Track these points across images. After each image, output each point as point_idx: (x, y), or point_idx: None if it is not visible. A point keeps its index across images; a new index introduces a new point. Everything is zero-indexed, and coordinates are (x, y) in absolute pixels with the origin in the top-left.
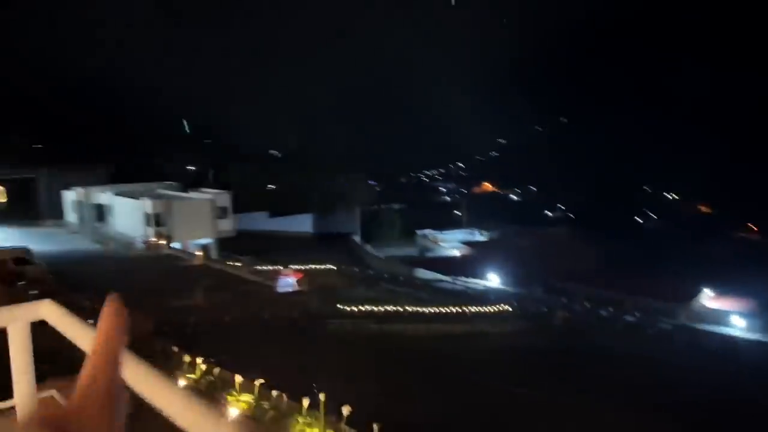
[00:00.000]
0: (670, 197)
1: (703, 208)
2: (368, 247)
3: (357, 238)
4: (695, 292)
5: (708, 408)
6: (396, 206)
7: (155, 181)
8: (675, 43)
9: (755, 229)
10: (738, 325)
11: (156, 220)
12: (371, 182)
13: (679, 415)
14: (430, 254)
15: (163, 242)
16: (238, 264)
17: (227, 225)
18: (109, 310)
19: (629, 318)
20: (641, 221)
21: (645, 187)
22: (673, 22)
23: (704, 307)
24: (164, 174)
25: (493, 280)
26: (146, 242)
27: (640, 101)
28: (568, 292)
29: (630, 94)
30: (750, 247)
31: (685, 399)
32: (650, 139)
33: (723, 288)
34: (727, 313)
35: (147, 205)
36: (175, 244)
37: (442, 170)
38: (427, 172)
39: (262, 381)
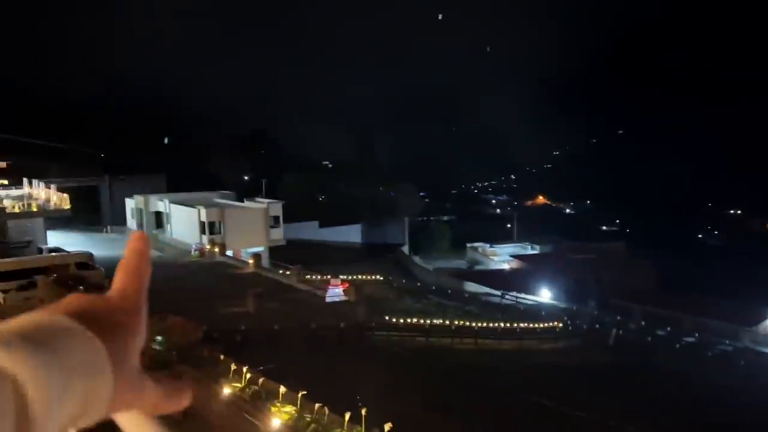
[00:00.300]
0: (735, 214)
1: None
2: (416, 259)
3: (405, 250)
4: (763, 314)
5: None
6: (445, 218)
7: (212, 190)
8: (738, 55)
9: None
10: None
11: (210, 228)
12: (421, 193)
13: None
14: (479, 267)
15: (217, 250)
16: (288, 273)
17: (279, 234)
18: (135, 236)
19: (688, 339)
20: (703, 237)
21: (710, 203)
22: (731, 33)
23: None
24: (221, 183)
25: (544, 295)
26: (200, 249)
27: (703, 113)
28: (624, 310)
29: (691, 106)
30: None
31: (741, 422)
32: (714, 153)
33: None
34: None
35: (202, 213)
36: (228, 252)
37: (494, 182)
38: (479, 184)
39: (304, 392)
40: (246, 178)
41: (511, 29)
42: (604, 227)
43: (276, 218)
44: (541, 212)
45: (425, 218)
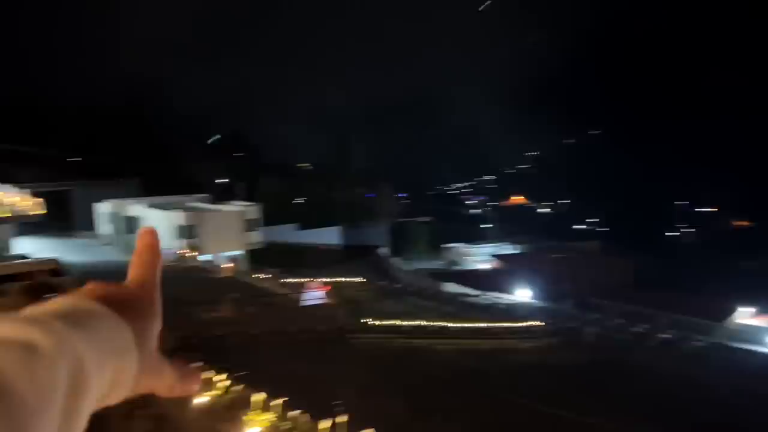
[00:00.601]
0: (707, 211)
1: (742, 223)
2: (396, 260)
3: (385, 251)
4: (731, 309)
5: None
6: (424, 219)
7: (187, 194)
8: (710, 50)
9: None
10: None
11: (187, 232)
12: (400, 195)
13: None
14: (458, 268)
15: (194, 254)
16: (267, 276)
17: (257, 237)
18: (145, 231)
19: (663, 335)
20: (676, 235)
21: (681, 201)
22: (707, 30)
23: (741, 324)
24: (196, 186)
25: (522, 294)
26: (177, 254)
27: (675, 112)
28: (600, 308)
29: (664, 105)
30: None
31: (716, 419)
32: (686, 151)
33: (762, 305)
34: (765, 331)
35: (178, 217)
36: (206, 256)
37: (472, 183)
38: (457, 185)
39: (284, 399)
40: (223, 181)
41: (487, 30)
42: (581, 226)
43: (254, 221)
44: (518, 212)
45: (405, 219)
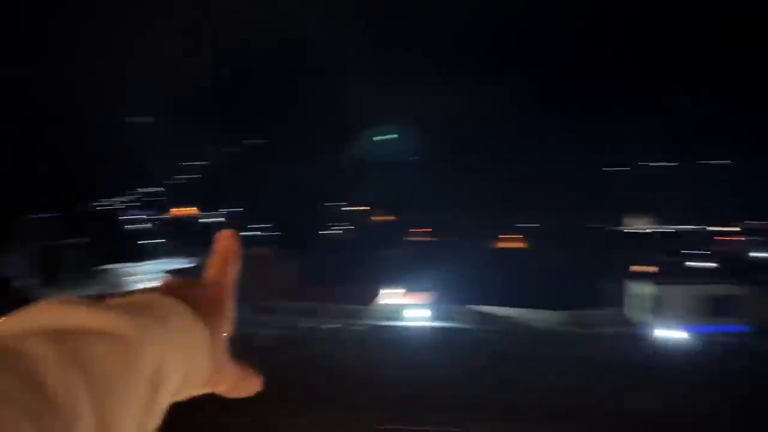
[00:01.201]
0: (360, 210)
1: (384, 217)
2: (43, 292)
3: (26, 283)
4: (377, 292)
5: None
6: (78, 240)
7: None
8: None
9: (428, 230)
10: (417, 316)
11: None
12: (45, 215)
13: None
14: (121, 291)
15: None
16: None
17: None
18: (225, 234)
19: (330, 326)
20: (335, 233)
21: (335, 203)
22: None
23: (385, 305)
24: None
25: None
26: None
27: (329, 123)
28: (275, 309)
29: (322, 116)
30: (427, 248)
31: (379, 396)
32: (339, 157)
33: (403, 285)
34: (406, 307)
35: None
36: None
37: (136, 196)
38: (118, 199)
39: None
40: None
41: (154, 40)
42: (254, 232)
43: None
44: (189, 224)
45: (53, 243)
